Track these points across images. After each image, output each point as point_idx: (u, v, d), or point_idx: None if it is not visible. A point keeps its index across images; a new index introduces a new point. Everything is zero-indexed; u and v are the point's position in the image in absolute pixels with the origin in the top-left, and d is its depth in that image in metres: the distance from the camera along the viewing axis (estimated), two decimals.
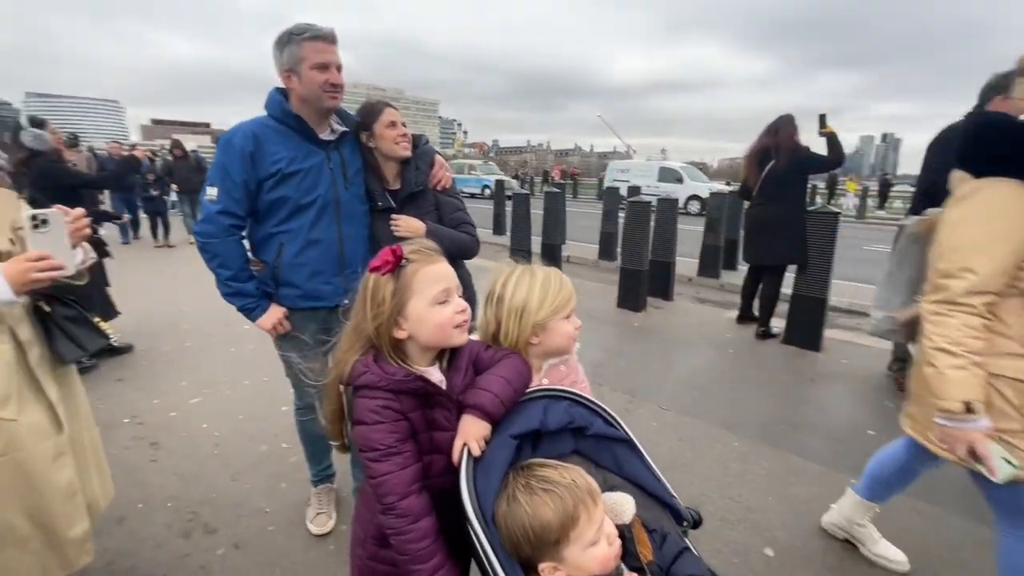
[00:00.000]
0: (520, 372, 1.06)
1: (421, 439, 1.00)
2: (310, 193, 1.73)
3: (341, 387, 1.03)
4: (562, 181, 23.87)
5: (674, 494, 1.04)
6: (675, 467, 2.56)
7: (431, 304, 0.98)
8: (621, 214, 6.35)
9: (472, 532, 0.86)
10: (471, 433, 0.96)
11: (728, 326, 4.86)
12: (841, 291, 5.72)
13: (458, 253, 1.89)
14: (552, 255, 7.12)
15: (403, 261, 0.98)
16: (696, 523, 1.05)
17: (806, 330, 4.28)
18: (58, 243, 1.31)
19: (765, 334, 4.50)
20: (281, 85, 1.72)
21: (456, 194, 2.01)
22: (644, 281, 5.33)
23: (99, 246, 3.51)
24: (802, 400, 3.40)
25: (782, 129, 4.21)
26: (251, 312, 1.79)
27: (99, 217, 4.46)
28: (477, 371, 1.07)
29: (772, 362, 4.02)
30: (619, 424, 1.11)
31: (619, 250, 6.63)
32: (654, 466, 1.07)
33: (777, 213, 4.26)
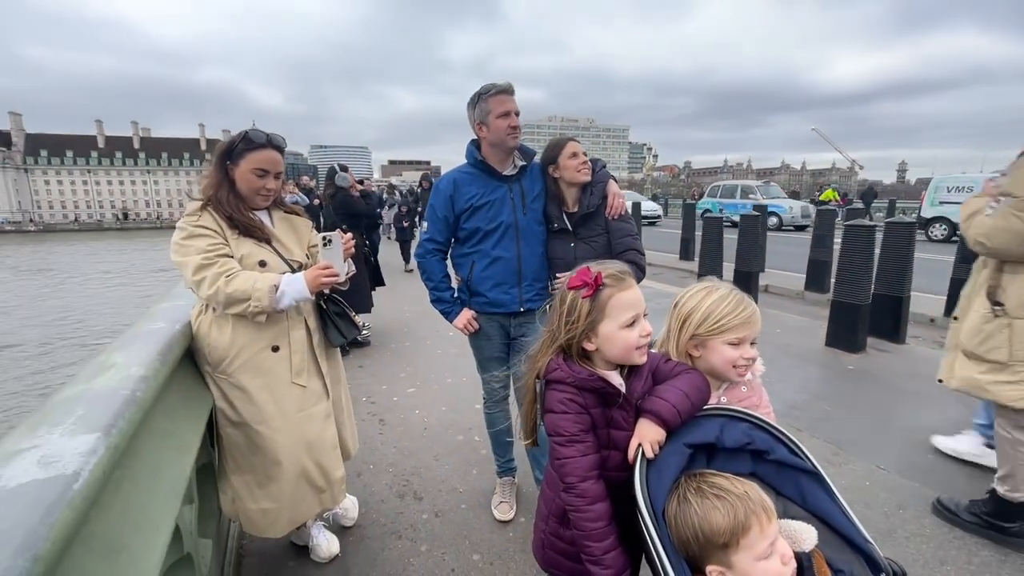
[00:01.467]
0: (698, 387, 1.10)
1: (600, 434, 1.12)
2: (494, 220, 2.09)
3: (536, 382, 1.21)
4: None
5: (869, 539, 0.95)
6: (892, 538, 2.16)
7: (620, 327, 1.10)
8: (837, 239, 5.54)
9: (643, 524, 0.94)
10: (646, 436, 1.04)
11: None
12: None
13: None
14: (747, 283, 6.53)
15: (601, 286, 1.13)
16: None
17: None
18: (336, 257, 1.81)
19: None
20: (475, 137, 2.15)
21: (629, 219, 2.18)
22: (864, 318, 4.56)
23: (366, 259, 4.60)
24: None
25: None
26: (448, 315, 2.23)
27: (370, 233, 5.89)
28: (656, 381, 1.15)
29: None
30: (805, 455, 1.06)
31: (832, 280, 5.77)
32: (846, 505, 1.00)
33: None
